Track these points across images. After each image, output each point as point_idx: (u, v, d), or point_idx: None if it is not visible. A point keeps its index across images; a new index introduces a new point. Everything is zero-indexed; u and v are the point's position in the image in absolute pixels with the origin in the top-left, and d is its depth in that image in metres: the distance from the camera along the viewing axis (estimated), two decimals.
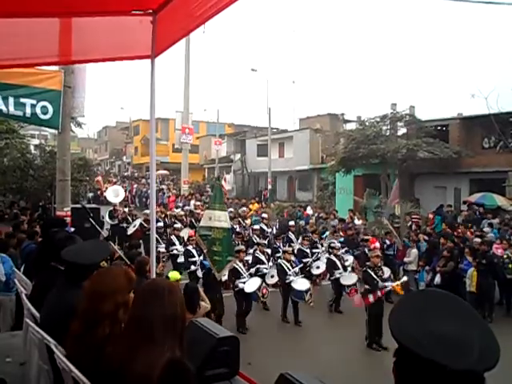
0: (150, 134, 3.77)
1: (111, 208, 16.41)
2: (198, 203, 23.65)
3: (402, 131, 25.32)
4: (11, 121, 15.27)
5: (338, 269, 11.38)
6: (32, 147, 24.20)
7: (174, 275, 7.65)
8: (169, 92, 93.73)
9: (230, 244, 9.45)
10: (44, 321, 2.80)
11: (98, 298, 2.20)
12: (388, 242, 13.37)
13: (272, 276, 10.76)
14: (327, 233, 15.49)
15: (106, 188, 24.90)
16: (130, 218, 16.21)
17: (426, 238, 14.24)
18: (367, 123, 25.57)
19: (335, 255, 11.75)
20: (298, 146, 33.35)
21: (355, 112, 36.88)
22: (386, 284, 9.02)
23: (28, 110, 6.90)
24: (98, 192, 27.58)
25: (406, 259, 12.77)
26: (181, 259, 11.97)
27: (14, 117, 7.32)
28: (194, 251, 11.15)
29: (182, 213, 17.57)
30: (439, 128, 25.50)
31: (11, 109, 6.73)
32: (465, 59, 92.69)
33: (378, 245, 12.92)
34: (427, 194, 23.63)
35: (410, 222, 16.63)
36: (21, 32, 3.31)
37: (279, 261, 11.08)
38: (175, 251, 12.69)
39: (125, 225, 15.89)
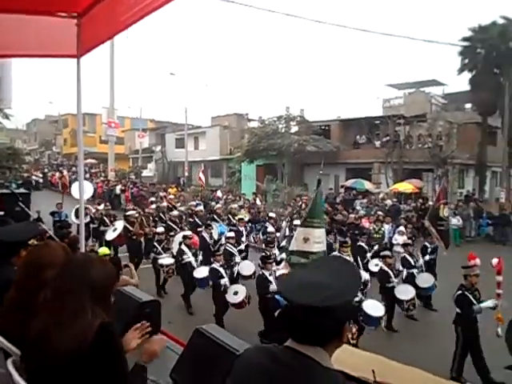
0: (78, 127, 3.50)
1: (78, 206, 11.88)
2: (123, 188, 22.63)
3: (294, 129, 26.20)
4: None
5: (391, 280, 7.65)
6: None
7: (103, 250, 7.23)
8: (95, 88, 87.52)
9: None
10: None
11: (37, 268, 2.01)
12: (429, 245, 9.41)
13: None
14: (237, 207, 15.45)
15: (70, 183, 20.75)
16: (107, 220, 11.49)
17: None
18: (267, 122, 26.15)
19: (388, 265, 7.77)
20: (210, 140, 33.27)
21: (257, 112, 37.62)
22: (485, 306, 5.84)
23: None
24: (62, 188, 21.56)
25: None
26: (199, 275, 7.86)
27: None
28: (221, 270, 7.52)
29: (176, 213, 12.37)
30: (323, 127, 26.81)
31: None
32: (343, 72, 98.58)
33: (478, 261, 7.40)
34: (314, 180, 24.72)
35: (300, 202, 17.41)
36: None
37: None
38: (189, 262, 8.36)
39: (101, 227, 11.44)
